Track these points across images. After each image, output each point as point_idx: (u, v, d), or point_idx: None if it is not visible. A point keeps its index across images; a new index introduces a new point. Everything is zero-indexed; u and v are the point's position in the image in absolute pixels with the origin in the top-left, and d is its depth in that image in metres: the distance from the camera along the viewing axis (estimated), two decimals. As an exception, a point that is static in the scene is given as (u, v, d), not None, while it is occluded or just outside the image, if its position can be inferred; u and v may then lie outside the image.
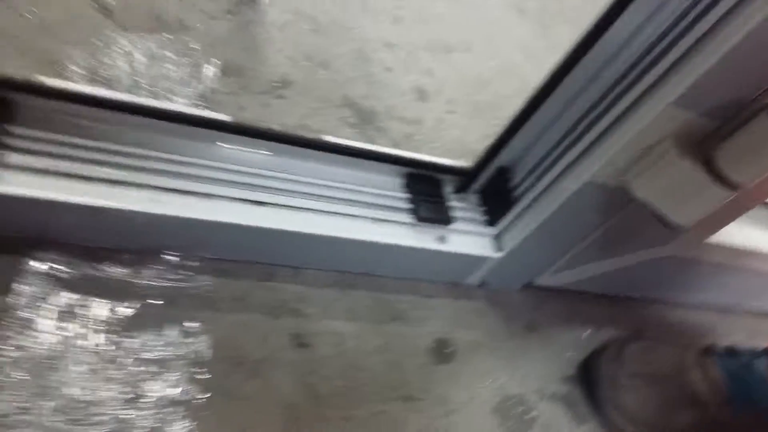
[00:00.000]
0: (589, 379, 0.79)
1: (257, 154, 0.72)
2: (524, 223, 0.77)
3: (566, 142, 0.72)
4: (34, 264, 0.61)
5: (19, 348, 0.56)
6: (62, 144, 0.62)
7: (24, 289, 0.59)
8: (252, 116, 0.85)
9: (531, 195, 0.76)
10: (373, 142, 0.92)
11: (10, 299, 0.58)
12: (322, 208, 0.72)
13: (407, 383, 0.71)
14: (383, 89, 0.99)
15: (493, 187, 0.82)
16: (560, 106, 0.72)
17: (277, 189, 0.71)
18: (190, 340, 0.63)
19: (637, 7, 0.61)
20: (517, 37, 1.26)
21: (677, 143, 0.63)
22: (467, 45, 1.16)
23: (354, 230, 0.72)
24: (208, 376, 0.61)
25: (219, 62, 0.87)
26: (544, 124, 0.75)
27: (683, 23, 0.60)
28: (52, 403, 0.54)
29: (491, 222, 0.82)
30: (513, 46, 1.23)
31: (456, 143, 0.99)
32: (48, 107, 0.62)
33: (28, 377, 0.54)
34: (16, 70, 0.72)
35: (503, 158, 0.80)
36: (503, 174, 0.81)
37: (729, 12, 0.56)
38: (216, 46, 0.89)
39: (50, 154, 0.61)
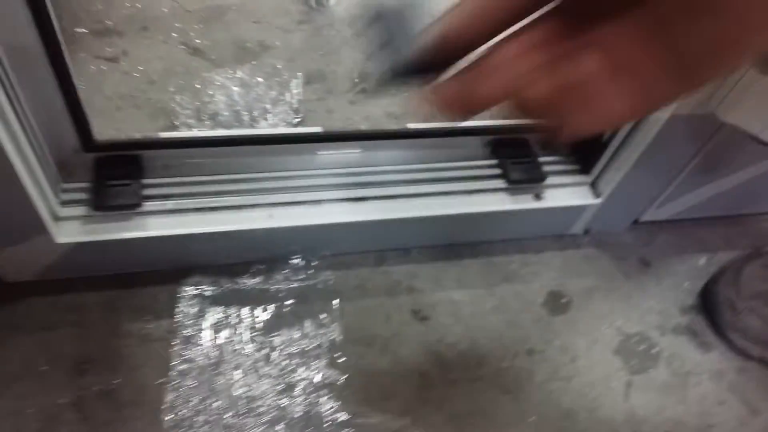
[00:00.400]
0: (708, 306, 0.78)
1: (351, 154, 0.79)
2: (618, 164, 0.78)
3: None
4: (187, 289, 0.72)
5: (187, 360, 0.67)
6: (186, 184, 0.73)
7: (183, 311, 0.70)
8: (341, 116, 0.92)
9: (620, 135, 0.76)
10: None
11: (174, 321, 0.70)
12: (416, 192, 0.77)
13: (528, 338, 0.75)
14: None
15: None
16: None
17: (373, 182, 0.77)
18: (323, 330, 0.72)
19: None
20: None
21: (757, 62, 0.61)
22: None
23: (451, 206, 0.77)
24: (344, 359, 0.70)
25: (302, 73, 0.95)
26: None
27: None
28: (220, 402, 0.65)
29: (584, 170, 0.83)
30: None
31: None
32: (169, 156, 0.73)
33: (197, 383, 0.66)
34: (137, 126, 0.84)
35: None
36: (590, 120, 0.81)
37: None
38: (296, 59, 0.96)
39: (178, 195, 0.72)
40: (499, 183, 0.80)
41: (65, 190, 0.69)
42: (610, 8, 0.26)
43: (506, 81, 0.29)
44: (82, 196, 0.69)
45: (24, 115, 0.58)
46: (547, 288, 0.80)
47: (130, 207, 0.68)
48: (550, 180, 0.81)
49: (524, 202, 0.79)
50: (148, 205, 0.70)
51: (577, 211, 0.81)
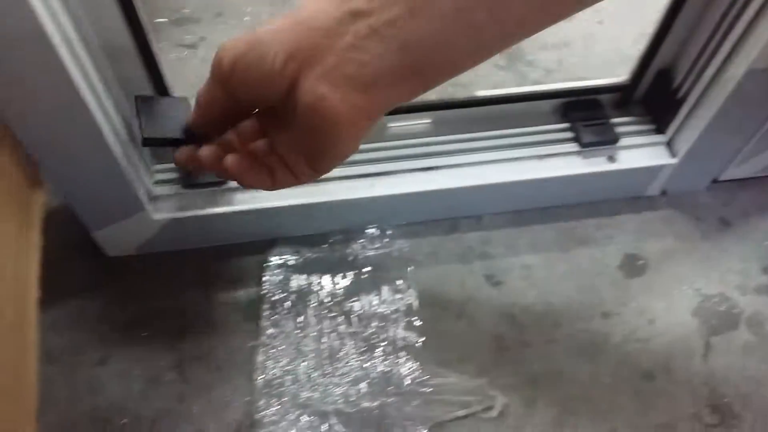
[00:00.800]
0: (795, 265, 0.76)
1: (420, 125, 0.81)
2: (695, 122, 0.76)
3: (721, 31, 0.70)
4: (272, 259, 0.77)
5: (275, 325, 0.72)
6: (266, 160, 0.77)
7: (269, 279, 0.75)
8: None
9: (696, 92, 0.74)
10: (525, 78, 0.95)
11: (262, 289, 0.75)
12: (487, 159, 0.78)
13: (603, 301, 0.76)
14: (527, 23, 1.01)
15: (655, 93, 0.81)
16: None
17: (443, 152, 0.79)
18: (400, 295, 0.75)
19: None
20: None
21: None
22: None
23: (522, 172, 0.78)
24: (420, 323, 0.73)
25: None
26: (696, 14, 0.72)
27: None
28: (306, 363, 0.69)
29: (660, 129, 0.81)
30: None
31: (611, 54, 0.97)
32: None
33: (284, 346, 0.70)
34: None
35: (661, 60, 0.78)
36: (663, 77, 0.80)
37: None
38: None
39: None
40: (571, 146, 0.79)
41: (157, 171, 0.75)
42: (277, 125, 0.49)
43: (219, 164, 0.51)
44: (173, 175, 0.74)
45: (119, 105, 0.63)
46: (623, 251, 0.80)
47: (217, 184, 0.73)
48: (624, 141, 0.80)
49: (597, 165, 0.79)
50: (233, 182, 0.74)
51: (652, 171, 0.80)
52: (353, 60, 0.42)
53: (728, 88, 0.70)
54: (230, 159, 0.50)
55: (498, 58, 0.97)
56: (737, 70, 0.68)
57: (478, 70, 0.95)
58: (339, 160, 0.48)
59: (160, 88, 0.67)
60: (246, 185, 0.52)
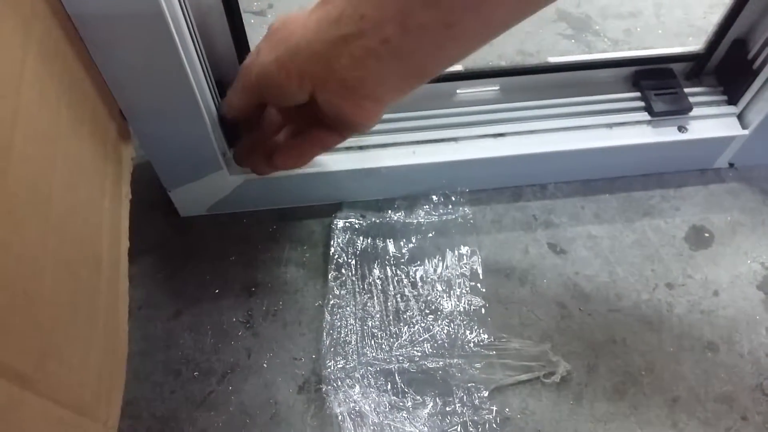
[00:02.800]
0: None
1: (489, 92, 0.81)
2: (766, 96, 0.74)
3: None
4: (338, 221, 0.79)
5: (341, 285, 0.74)
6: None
7: (336, 241, 0.77)
8: (474, 56, 0.92)
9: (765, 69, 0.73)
10: (592, 48, 0.94)
11: (328, 251, 0.77)
12: (555, 126, 0.78)
13: (668, 272, 0.75)
14: (594, -9, 0.99)
15: (730, 63, 0.80)
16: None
17: (511, 119, 0.79)
18: (463, 261, 0.76)
19: None
20: None
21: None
22: None
23: (591, 140, 0.78)
24: (484, 289, 0.74)
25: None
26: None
27: None
28: (371, 323, 0.71)
29: (732, 101, 0.79)
30: None
31: (681, 24, 0.95)
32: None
33: (350, 306, 0.72)
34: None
35: (737, 29, 0.77)
36: (739, 47, 0.78)
37: None
38: None
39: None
40: (642, 115, 0.78)
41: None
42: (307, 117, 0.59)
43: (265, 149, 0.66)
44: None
45: (205, 65, 0.65)
46: (689, 222, 0.79)
47: None
48: (696, 111, 0.78)
49: (668, 135, 0.78)
50: (303, 145, 0.76)
51: (723, 143, 0.79)
52: (354, 77, 0.49)
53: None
54: (276, 159, 0.65)
55: (564, 27, 0.96)
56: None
57: (543, 38, 0.95)
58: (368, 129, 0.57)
59: (241, 55, 0.68)
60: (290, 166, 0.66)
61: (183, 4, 0.57)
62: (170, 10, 0.52)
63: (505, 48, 0.94)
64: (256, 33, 0.96)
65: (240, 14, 0.65)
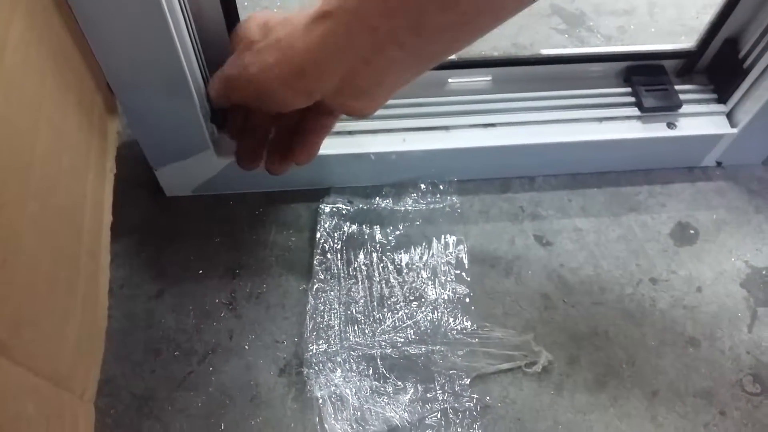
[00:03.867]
0: None
1: (481, 82, 0.81)
2: (758, 93, 0.75)
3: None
4: (325, 206, 0.78)
5: (325, 270, 0.74)
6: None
7: (322, 226, 0.77)
8: (470, 47, 0.93)
9: (763, 63, 0.73)
10: (585, 43, 0.94)
11: (314, 235, 0.76)
12: (546, 119, 0.78)
13: (652, 267, 0.76)
14: (588, -13, 0.99)
15: (721, 61, 0.80)
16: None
17: (503, 110, 0.79)
18: (450, 250, 0.76)
19: None
20: None
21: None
22: None
23: (580, 133, 0.78)
24: (469, 278, 0.74)
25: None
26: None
27: None
28: (354, 309, 0.71)
29: (721, 99, 0.80)
30: None
31: (674, 23, 0.95)
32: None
33: (334, 291, 0.72)
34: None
35: (729, 28, 0.77)
36: (730, 46, 0.78)
37: None
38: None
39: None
40: (632, 110, 0.79)
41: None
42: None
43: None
44: (235, 118, 0.76)
45: (195, 39, 0.64)
46: (675, 219, 0.79)
47: None
48: (685, 108, 0.79)
49: (657, 131, 0.78)
50: (293, 127, 0.76)
51: (711, 140, 0.79)
52: (372, 84, 0.51)
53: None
54: (299, 156, 0.64)
55: (558, 21, 0.96)
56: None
57: (537, 32, 0.95)
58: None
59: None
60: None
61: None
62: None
63: (499, 41, 0.94)
64: (257, 4, 0.96)
65: None
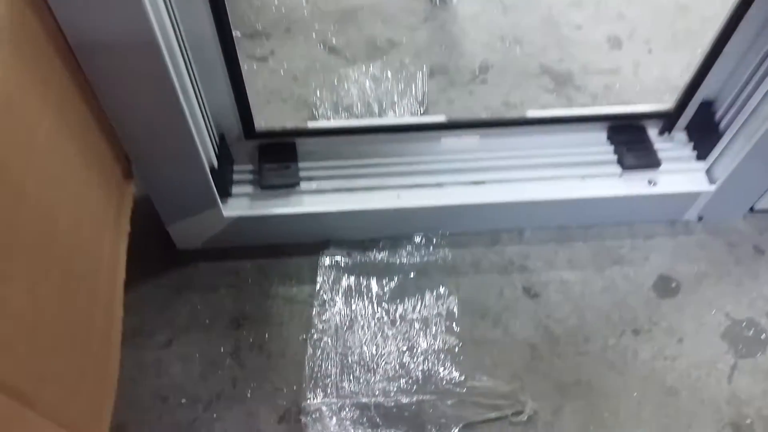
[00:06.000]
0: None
1: (471, 141, 0.86)
2: (733, 152, 0.79)
3: (763, 68, 0.73)
4: (325, 259, 0.83)
5: (325, 320, 0.78)
6: (328, 168, 0.83)
7: (322, 278, 0.82)
8: (460, 106, 0.99)
9: (737, 124, 0.78)
10: (572, 102, 0.99)
11: (315, 287, 0.81)
12: (532, 176, 0.83)
13: (635, 318, 0.79)
14: (576, 48, 1.05)
15: (699, 121, 0.85)
16: (753, 32, 0.73)
17: (491, 167, 0.84)
18: (442, 301, 0.80)
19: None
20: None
21: None
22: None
23: (564, 190, 0.82)
24: (459, 328, 0.78)
25: (426, 67, 1.03)
26: (740, 51, 0.76)
27: None
28: (352, 357, 0.75)
29: (701, 156, 0.84)
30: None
31: (658, 82, 1.01)
32: (316, 143, 0.83)
33: (333, 340, 0.77)
34: (284, 117, 0.96)
35: (705, 91, 0.82)
36: (707, 107, 0.83)
37: None
38: (421, 54, 1.04)
39: (322, 178, 0.82)
40: (614, 168, 0.83)
41: (235, 171, 0.82)
42: None
43: None
44: (247, 177, 0.82)
45: (205, 111, 0.70)
46: (657, 272, 0.83)
47: (290, 186, 0.80)
48: (665, 166, 0.83)
49: (637, 188, 0.83)
50: (303, 186, 0.81)
51: (691, 197, 0.84)
52: None
53: (767, 124, 0.73)
54: None
55: (547, 81, 1.01)
56: (776, 106, 0.71)
57: (527, 91, 1.01)
58: None
59: (239, 95, 0.74)
60: None
61: (184, 54, 0.63)
62: (172, 59, 0.58)
63: (491, 100, 0.99)
64: (259, 79, 1.03)
65: (239, 66, 0.70)
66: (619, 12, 1.10)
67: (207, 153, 0.71)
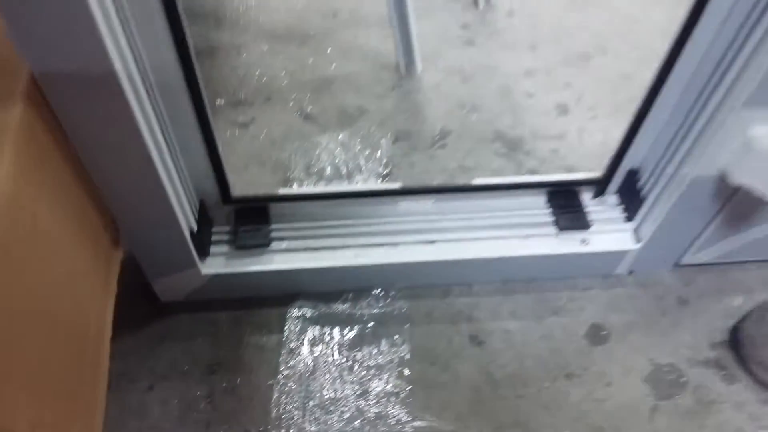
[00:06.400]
0: (735, 341, 0.88)
1: (425, 204, 0.96)
2: (654, 215, 0.89)
3: (676, 141, 0.83)
4: (293, 311, 0.93)
5: (290, 367, 0.87)
6: (298, 229, 0.93)
7: (289, 328, 0.91)
8: (421, 169, 1.10)
9: (656, 191, 0.88)
10: (522, 166, 1.10)
11: (283, 336, 0.91)
12: (479, 236, 0.93)
13: (568, 364, 0.88)
14: (527, 115, 1.17)
15: (627, 187, 0.95)
16: (668, 108, 0.84)
17: (443, 228, 0.94)
18: (396, 348, 0.89)
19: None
20: (653, 21, 1.31)
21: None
22: (603, 48, 1.26)
23: (508, 249, 0.92)
24: (410, 373, 0.87)
25: (391, 133, 1.14)
26: (658, 125, 0.86)
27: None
28: (313, 401, 0.84)
29: (629, 218, 0.95)
30: (651, 32, 1.29)
31: (601, 146, 1.11)
32: (285, 206, 0.94)
33: (297, 386, 0.86)
34: (261, 179, 1.07)
35: (630, 160, 0.92)
36: (632, 175, 0.94)
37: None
38: (387, 121, 1.16)
39: (292, 238, 0.93)
40: (550, 229, 0.94)
41: (211, 233, 0.92)
42: None
43: None
44: (223, 237, 0.92)
45: (184, 179, 0.81)
46: (590, 321, 0.93)
47: (262, 246, 0.90)
48: (596, 227, 0.93)
49: (571, 247, 0.92)
50: (272, 245, 0.91)
51: (620, 254, 0.93)
52: None
53: (679, 190, 0.83)
54: None
55: (500, 146, 1.12)
56: (689, 174, 0.81)
57: (482, 155, 1.11)
58: None
59: (216, 165, 0.84)
60: None
61: (163, 128, 0.73)
62: (146, 128, 0.68)
63: (448, 163, 1.10)
64: (240, 144, 1.14)
65: (215, 141, 0.81)
66: (567, 81, 1.21)
67: (187, 219, 0.82)
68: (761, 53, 0.67)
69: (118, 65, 0.58)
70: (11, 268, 0.52)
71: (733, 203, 0.84)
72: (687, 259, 0.96)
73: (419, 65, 1.22)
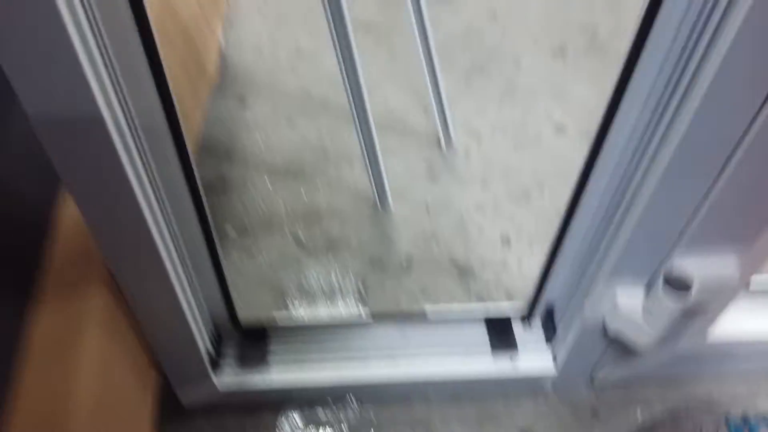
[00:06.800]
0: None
1: (390, 328, 1.22)
2: (565, 344, 1.15)
3: (573, 289, 1.10)
4: (284, 416, 1.18)
5: (283, 465, 1.12)
6: (290, 352, 1.19)
7: (282, 430, 1.16)
8: (390, 290, 1.36)
9: (563, 324, 1.14)
10: (470, 290, 1.36)
11: (276, 437, 1.15)
12: (432, 353, 1.19)
13: (500, 463, 1.13)
14: (478, 245, 1.43)
15: (547, 315, 1.21)
16: (568, 261, 1.10)
17: (405, 349, 1.20)
18: (365, 449, 1.14)
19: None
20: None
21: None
22: (540, 185, 1.54)
23: (452, 367, 1.18)
24: (376, 470, 1.12)
25: (368, 258, 1.40)
26: (565, 271, 1.13)
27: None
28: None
29: (549, 341, 1.21)
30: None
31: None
32: (282, 330, 1.19)
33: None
34: (260, 299, 1.33)
35: (547, 299, 1.19)
36: (550, 312, 1.20)
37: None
38: (364, 247, 1.42)
39: (286, 354, 1.18)
40: (486, 350, 1.19)
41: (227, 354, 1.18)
42: None
43: None
44: (230, 351, 1.17)
45: (201, 306, 1.07)
46: (520, 428, 1.18)
47: (261, 364, 1.15)
48: (523, 350, 1.19)
49: (502, 366, 1.18)
50: (270, 362, 1.17)
51: (542, 375, 1.19)
52: None
53: (577, 329, 1.09)
54: None
55: (455, 273, 1.39)
56: (578, 318, 1.07)
57: (439, 280, 1.38)
58: None
59: (226, 294, 1.10)
60: None
61: (182, 258, 0.99)
62: (162, 245, 0.94)
63: (413, 286, 1.36)
64: (245, 267, 1.40)
65: (220, 262, 1.06)
66: (511, 215, 1.49)
67: (203, 339, 1.07)
68: (622, 233, 0.94)
69: (145, 208, 0.77)
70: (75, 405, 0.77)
71: (616, 342, 1.11)
72: (600, 377, 1.22)
73: (390, 200, 1.49)
